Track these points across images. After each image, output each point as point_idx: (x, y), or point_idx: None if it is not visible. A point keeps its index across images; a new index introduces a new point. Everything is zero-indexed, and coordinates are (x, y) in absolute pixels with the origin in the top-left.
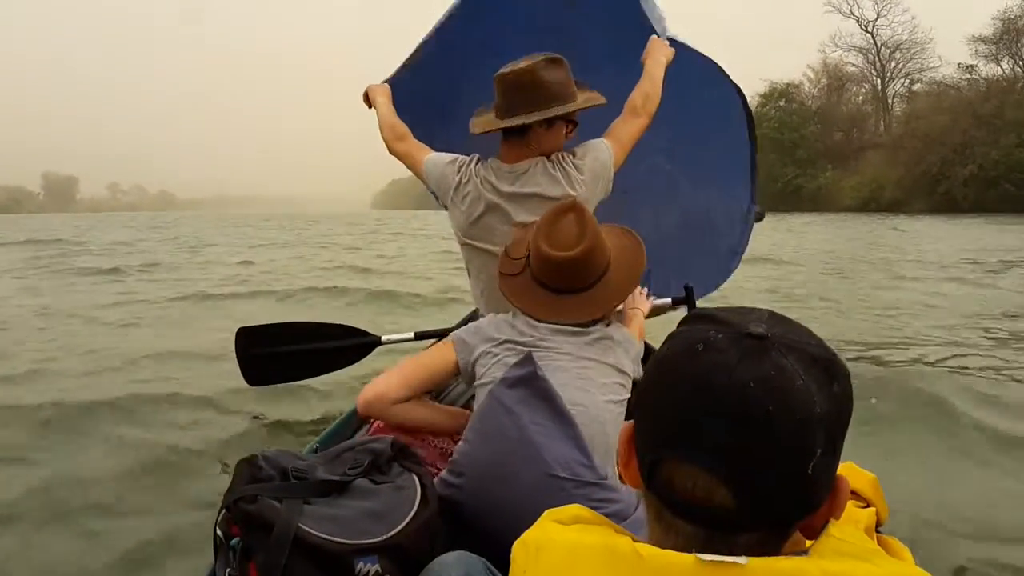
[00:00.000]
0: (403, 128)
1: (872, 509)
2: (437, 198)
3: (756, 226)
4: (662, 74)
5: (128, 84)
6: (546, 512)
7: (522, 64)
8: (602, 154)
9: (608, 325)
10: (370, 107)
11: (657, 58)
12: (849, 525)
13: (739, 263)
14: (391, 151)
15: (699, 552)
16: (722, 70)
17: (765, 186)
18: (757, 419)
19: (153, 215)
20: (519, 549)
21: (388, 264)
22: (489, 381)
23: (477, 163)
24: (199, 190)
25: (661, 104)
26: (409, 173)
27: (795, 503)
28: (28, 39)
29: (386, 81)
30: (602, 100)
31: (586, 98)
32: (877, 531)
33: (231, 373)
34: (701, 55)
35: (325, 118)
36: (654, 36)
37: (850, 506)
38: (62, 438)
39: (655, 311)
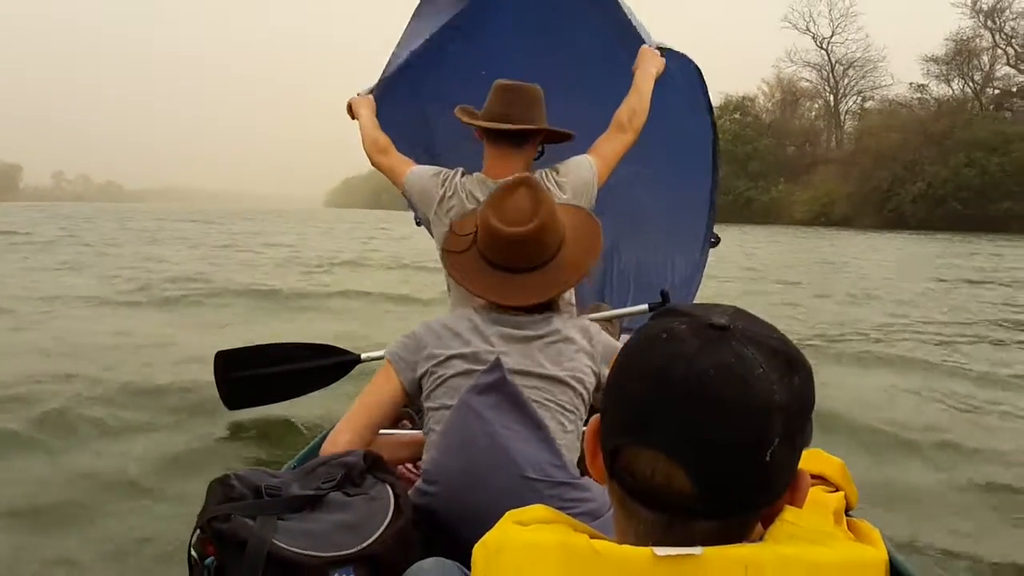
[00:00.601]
0: (385, 141)
1: (841, 493)
2: (416, 212)
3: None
4: (651, 88)
5: (78, 74)
6: (508, 513)
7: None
8: (585, 171)
9: (563, 315)
10: (353, 119)
11: (647, 69)
12: (807, 510)
13: (698, 287)
14: (374, 163)
15: (659, 540)
16: (703, 87)
17: (718, 198)
18: (714, 405)
19: (76, 206)
20: (479, 551)
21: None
22: (440, 406)
23: (462, 176)
24: (147, 181)
25: (648, 141)
26: (364, 171)
27: (753, 490)
28: None
29: (371, 91)
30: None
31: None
32: (847, 515)
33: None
34: (690, 61)
35: (282, 116)
36: (644, 46)
37: (818, 491)
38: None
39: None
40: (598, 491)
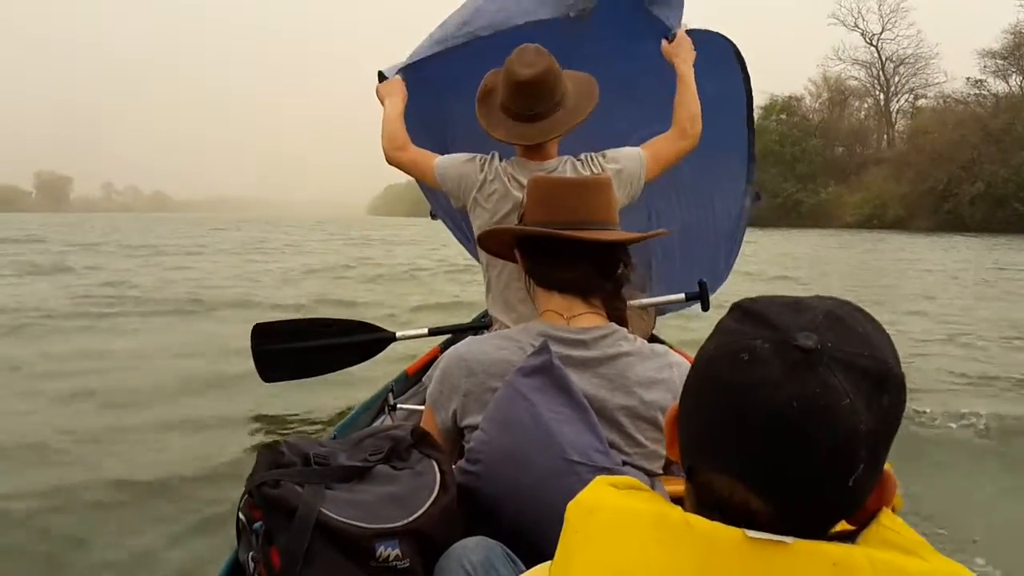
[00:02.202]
0: (404, 138)
1: None
2: (439, 202)
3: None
4: (694, 82)
5: (127, 86)
6: (599, 477)
7: (531, 67)
8: (634, 165)
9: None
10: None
11: (688, 62)
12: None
13: (738, 253)
14: (391, 160)
15: None
16: (734, 48)
17: (765, 201)
18: (796, 441)
19: (133, 216)
20: (573, 509)
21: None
22: (476, 423)
23: (500, 160)
24: (194, 192)
25: (662, 98)
26: (405, 178)
27: (834, 514)
28: (28, 36)
29: (398, 71)
30: (593, 85)
31: (578, 88)
32: None
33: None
34: (720, 37)
35: (326, 124)
36: (680, 30)
37: None
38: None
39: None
40: (641, 481)
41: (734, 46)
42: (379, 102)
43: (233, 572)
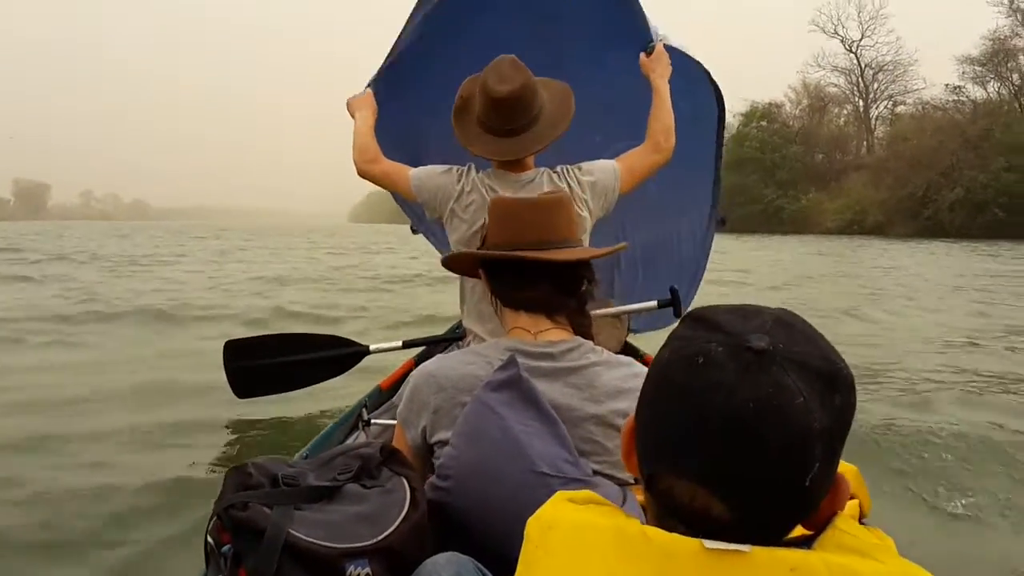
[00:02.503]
0: (375, 150)
1: (855, 501)
2: (416, 214)
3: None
4: (669, 96)
5: (104, 97)
6: (558, 493)
7: (507, 83)
8: (608, 178)
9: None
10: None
11: (663, 75)
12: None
13: (706, 265)
14: (362, 173)
15: None
16: (708, 75)
17: (745, 207)
18: (753, 442)
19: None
20: (533, 524)
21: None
22: (446, 439)
23: (477, 172)
24: (174, 200)
25: (638, 111)
26: None
27: (792, 513)
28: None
29: (369, 85)
30: (569, 96)
31: (554, 100)
32: (860, 522)
33: (218, 384)
34: (691, 59)
35: (305, 131)
36: (659, 44)
37: None
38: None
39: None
40: (611, 489)
41: (707, 72)
42: (350, 115)
43: None
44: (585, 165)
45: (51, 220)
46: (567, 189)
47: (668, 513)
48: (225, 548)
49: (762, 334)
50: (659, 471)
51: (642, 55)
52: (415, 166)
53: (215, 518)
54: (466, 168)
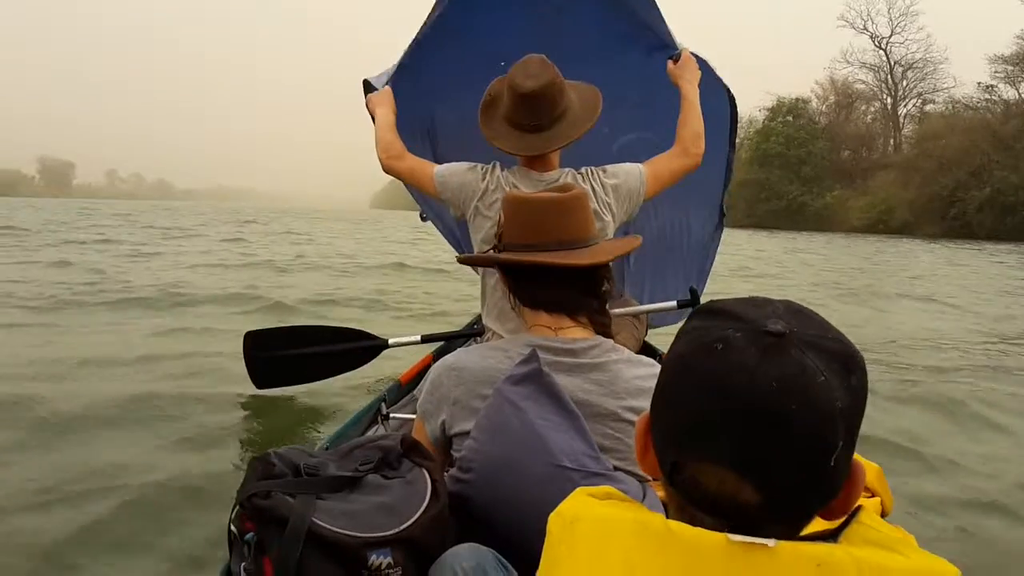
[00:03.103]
0: (400, 147)
1: (877, 499)
2: (430, 207)
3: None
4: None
5: (131, 76)
6: (579, 488)
7: (535, 79)
8: (634, 181)
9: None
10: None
11: (693, 83)
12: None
13: (713, 259)
14: (387, 170)
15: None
16: (718, 78)
17: (769, 203)
18: (780, 419)
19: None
20: (555, 520)
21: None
22: (465, 431)
23: (502, 170)
24: (197, 181)
25: (654, 110)
26: None
27: (818, 495)
28: (29, 26)
29: (387, 82)
30: (597, 96)
31: (582, 99)
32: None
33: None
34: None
35: (330, 120)
36: (686, 51)
37: None
38: (60, 438)
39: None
40: (632, 484)
41: (724, 85)
42: (369, 114)
43: None
44: (610, 168)
45: (76, 198)
46: (590, 191)
47: (693, 503)
48: (248, 536)
49: (776, 319)
50: (685, 459)
51: (669, 62)
52: (429, 151)
53: (238, 507)
54: (491, 166)
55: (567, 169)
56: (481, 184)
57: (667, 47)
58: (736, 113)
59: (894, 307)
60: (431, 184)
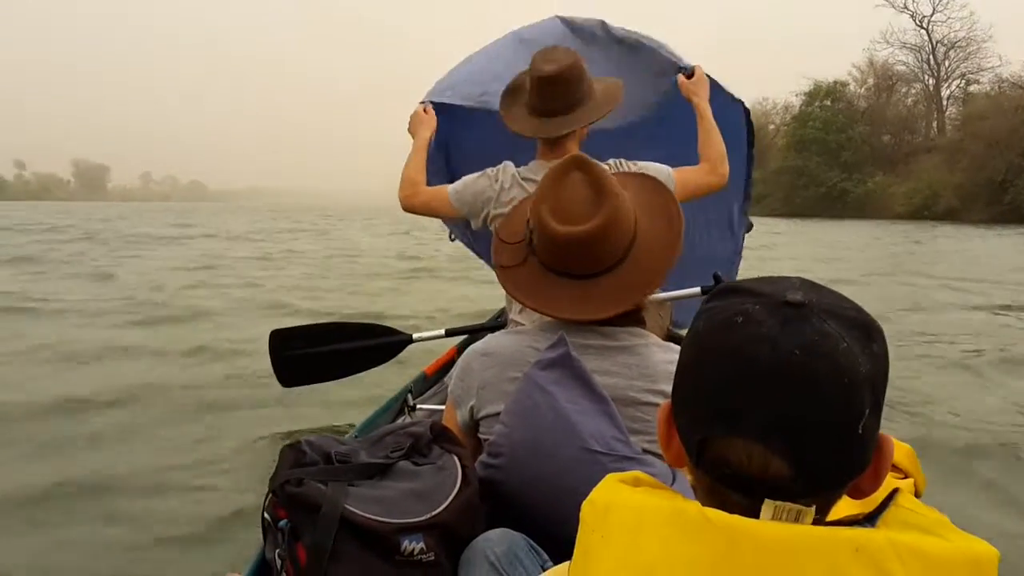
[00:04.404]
0: (418, 182)
1: (910, 480)
2: (457, 225)
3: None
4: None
5: (156, 77)
6: (610, 475)
7: (554, 63)
8: (664, 178)
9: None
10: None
11: (705, 99)
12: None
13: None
14: (406, 208)
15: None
16: (722, 88)
17: (808, 190)
18: (806, 387)
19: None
20: (588, 508)
21: None
22: (494, 412)
23: (515, 168)
24: (230, 182)
25: (665, 123)
26: None
27: (847, 466)
28: (61, 27)
29: (431, 101)
30: (619, 88)
31: (604, 89)
32: None
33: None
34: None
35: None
36: (698, 67)
37: (888, 477)
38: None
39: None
40: (661, 467)
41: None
42: (410, 135)
43: (260, 570)
44: (641, 163)
45: (111, 201)
46: None
47: (723, 482)
48: (282, 523)
49: (795, 291)
50: (712, 435)
51: (681, 77)
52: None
53: (271, 494)
54: (501, 167)
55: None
56: (495, 186)
57: (676, 66)
58: (752, 127)
59: None
60: (448, 207)
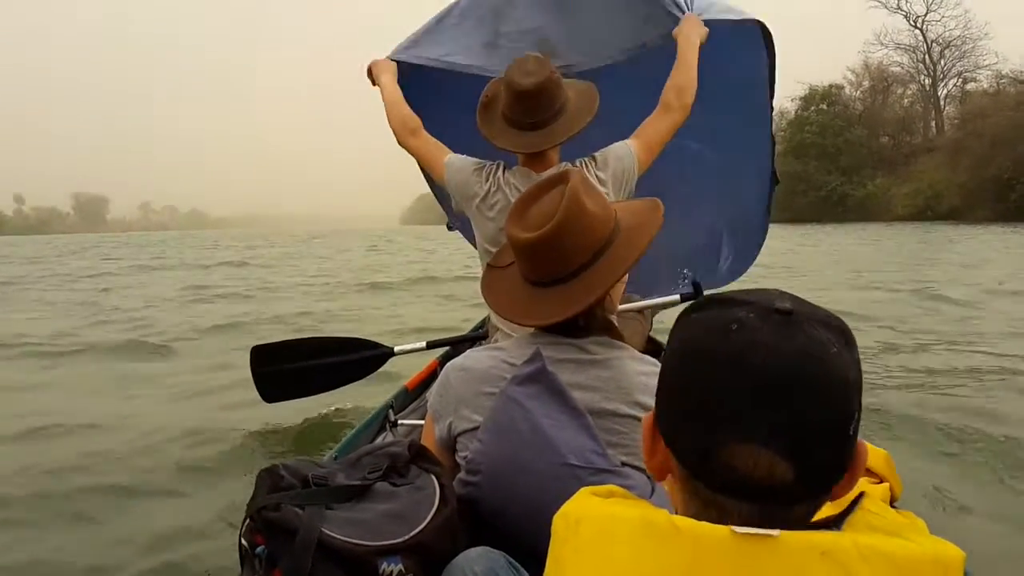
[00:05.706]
0: (416, 121)
1: (886, 484)
2: (443, 199)
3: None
4: (696, 58)
5: (155, 104)
6: (583, 488)
7: (531, 76)
8: (625, 161)
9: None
10: (374, 84)
11: (690, 38)
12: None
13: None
14: (403, 144)
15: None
16: (764, 30)
17: (808, 195)
18: (808, 389)
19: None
20: (560, 521)
21: None
22: (471, 428)
23: (504, 171)
24: (230, 209)
25: (646, 67)
26: None
27: (839, 468)
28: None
29: (391, 58)
30: (594, 93)
31: (578, 95)
32: (892, 506)
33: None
34: (745, 21)
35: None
36: (689, 14)
37: (864, 482)
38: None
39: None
40: (639, 479)
41: (763, 27)
42: (371, 80)
43: None
44: (599, 156)
45: (111, 232)
46: None
47: (727, 491)
48: (259, 549)
49: (781, 299)
50: (719, 442)
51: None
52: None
53: (248, 520)
54: (495, 166)
55: (564, 164)
56: (483, 187)
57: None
58: (771, 40)
59: None
60: (440, 171)
